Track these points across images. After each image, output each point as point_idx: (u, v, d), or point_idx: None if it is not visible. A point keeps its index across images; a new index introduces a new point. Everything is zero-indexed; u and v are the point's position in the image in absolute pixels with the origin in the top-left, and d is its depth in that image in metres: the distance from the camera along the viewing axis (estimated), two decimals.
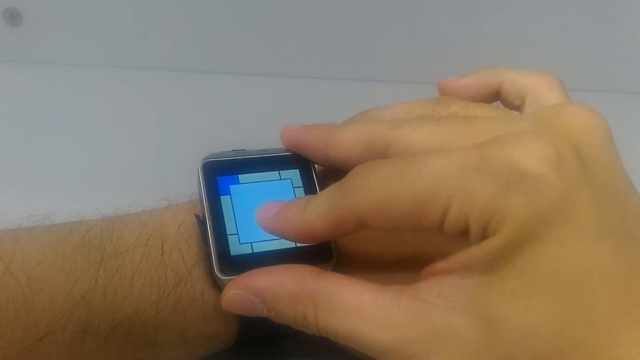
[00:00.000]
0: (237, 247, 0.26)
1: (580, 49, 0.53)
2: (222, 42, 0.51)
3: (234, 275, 0.25)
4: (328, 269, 0.26)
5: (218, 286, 0.26)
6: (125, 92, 0.49)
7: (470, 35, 0.52)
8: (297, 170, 0.29)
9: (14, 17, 0.49)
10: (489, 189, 0.21)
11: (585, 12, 0.52)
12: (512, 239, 0.21)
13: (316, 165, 0.29)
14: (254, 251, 0.26)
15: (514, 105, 0.31)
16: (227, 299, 0.25)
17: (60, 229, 0.27)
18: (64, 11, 0.49)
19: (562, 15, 0.52)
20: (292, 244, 0.26)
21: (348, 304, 0.23)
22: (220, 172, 0.28)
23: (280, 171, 0.28)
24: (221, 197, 0.27)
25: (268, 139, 0.30)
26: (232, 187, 0.27)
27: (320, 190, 0.26)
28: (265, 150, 0.29)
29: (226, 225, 0.26)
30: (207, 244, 0.26)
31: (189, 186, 0.28)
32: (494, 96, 0.32)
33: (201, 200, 0.27)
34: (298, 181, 0.28)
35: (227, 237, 0.26)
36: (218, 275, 0.25)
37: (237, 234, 0.26)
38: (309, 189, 0.28)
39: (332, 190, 0.24)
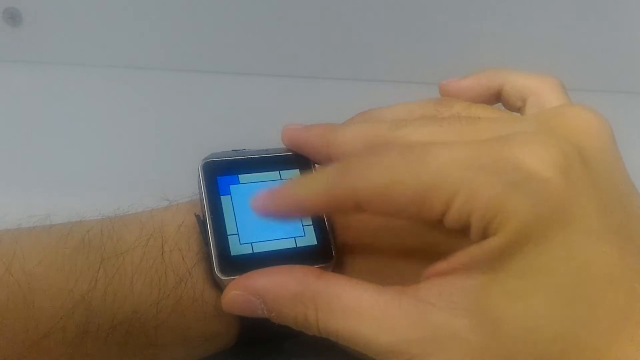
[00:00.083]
0: (237, 247, 0.26)
1: (580, 49, 0.53)
2: (222, 42, 0.51)
3: (234, 276, 0.25)
4: (328, 269, 0.26)
5: (218, 286, 0.26)
6: (125, 92, 0.49)
7: (470, 35, 0.52)
8: (298, 170, 0.29)
9: (14, 17, 0.49)
10: (494, 188, 0.21)
11: (586, 12, 0.52)
12: (514, 239, 0.21)
13: (317, 165, 0.29)
14: (255, 251, 0.26)
15: (515, 107, 0.31)
16: (228, 299, 0.25)
17: (60, 229, 0.27)
18: (63, 11, 0.49)
19: (562, 16, 0.52)
20: (292, 244, 0.26)
21: (349, 304, 0.23)
22: (221, 172, 0.28)
23: (281, 171, 0.28)
24: (221, 197, 0.27)
25: (268, 139, 0.30)
26: (233, 187, 0.27)
27: None
28: (266, 150, 0.29)
29: (226, 226, 0.26)
30: (207, 244, 0.26)
31: (189, 186, 0.28)
32: (495, 98, 0.32)
33: (201, 200, 0.27)
34: None
35: (227, 237, 0.26)
36: (218, 275, 0.25)
37: (238, 234, 0.26)
38: None
39: (334, 168, 0.24)
